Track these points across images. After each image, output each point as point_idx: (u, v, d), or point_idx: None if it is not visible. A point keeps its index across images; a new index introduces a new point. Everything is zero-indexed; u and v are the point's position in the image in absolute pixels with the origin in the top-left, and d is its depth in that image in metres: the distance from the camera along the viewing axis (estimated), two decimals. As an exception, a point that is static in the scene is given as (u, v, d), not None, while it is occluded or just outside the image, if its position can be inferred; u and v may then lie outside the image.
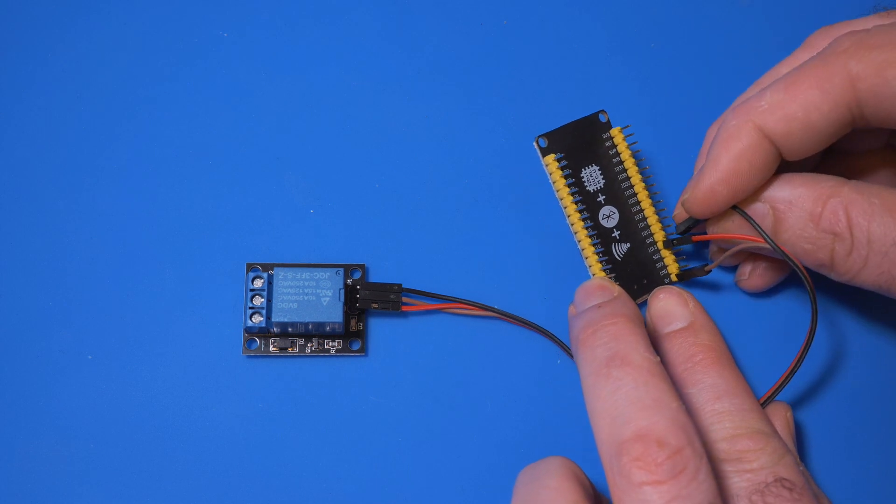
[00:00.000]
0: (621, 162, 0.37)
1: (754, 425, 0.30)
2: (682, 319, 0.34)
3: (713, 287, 0.38)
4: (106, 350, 0.36)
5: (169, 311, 0.36)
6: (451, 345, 0.37)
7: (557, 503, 0.28)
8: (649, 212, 0.37)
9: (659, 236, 0.37)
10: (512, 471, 0.31)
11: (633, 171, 0.37)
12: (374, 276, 0.37)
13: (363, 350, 0.36)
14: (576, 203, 0.36)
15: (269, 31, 0.40)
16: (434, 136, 0.39)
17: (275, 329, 0.35)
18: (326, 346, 0.36)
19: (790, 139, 0.32)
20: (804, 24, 0.41)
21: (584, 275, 0.37)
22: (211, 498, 0.34)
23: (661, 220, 0.37)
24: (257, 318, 0.35)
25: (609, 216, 0.37)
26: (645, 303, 0.36)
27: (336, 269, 0.35)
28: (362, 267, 0.37)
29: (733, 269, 0.38)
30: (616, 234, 0.37)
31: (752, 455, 0.30)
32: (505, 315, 0.36)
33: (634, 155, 0.37)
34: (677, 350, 0.33)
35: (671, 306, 0.34)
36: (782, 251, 0.32)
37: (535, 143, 0.36)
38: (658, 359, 0.29)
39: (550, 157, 0.36)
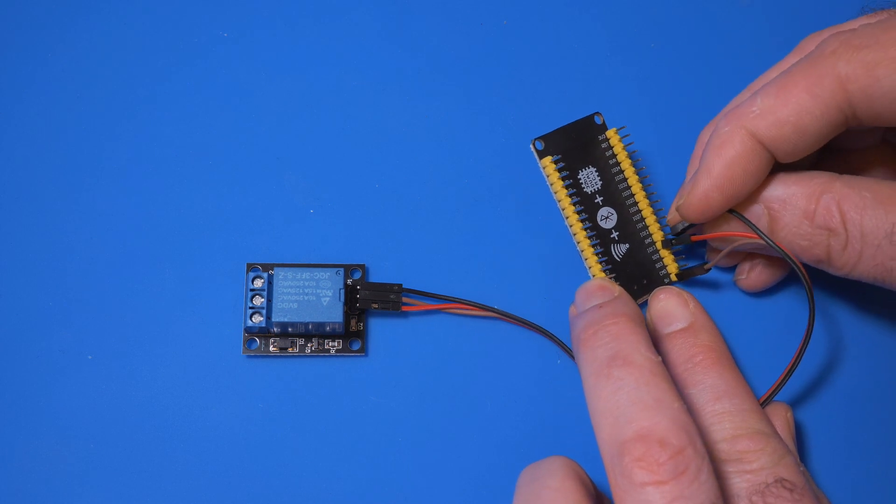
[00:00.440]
0: (618, 163, 0.37)
1: (754, 426, 0.31)
2: (682, 320, 0.34)
3: (713, 287, 0.38)
4: (106, 350, 0.36)
5: (169, 311, 0.36)
6: (451, 345, 0.37)
7: (559, 503, 0.28)
8: (647, 212, 0.37)
9: (657, 236, 0.37)
10: (512, 471, 0.31)
11: (629, 172, 0.37)
12: (374, 276, 0.37)
13: (363, 350, 0.36)
14: (574, 205, 0.36)
15: (269, 31, 0.40)
16: (434, 136, 0.39)
17: (275, 329, 0.35)
18: (326, 346, 0.36)
19: (783, 143, 0.32)
20: (804, 25, 0.41)
21: (583, 275, 0.37)
22: (211, 498, 0.34)
23: (659, 221, 0.37)
24: (257, 318, 0.35)
25: (607, 217, 0.37)
26: (645, 303, 0.36)
27: (336, 269, 0.35)
28: (362, 267, 0.37)
29: (732, 268, 0.38)
30: (615, 234, 0.37)
31: (753, 456, 0.30)
32: (505, 315, 0.36)
33: (631, 156, 0.37)
34: (677, 351, 0.33)
35: (671, 307, 0.34)
36: (779, 248, 0.32)
37: (531, 146, 0.36)
38: (659, 359, 0.29)
39: (547, 160, 0.36)
